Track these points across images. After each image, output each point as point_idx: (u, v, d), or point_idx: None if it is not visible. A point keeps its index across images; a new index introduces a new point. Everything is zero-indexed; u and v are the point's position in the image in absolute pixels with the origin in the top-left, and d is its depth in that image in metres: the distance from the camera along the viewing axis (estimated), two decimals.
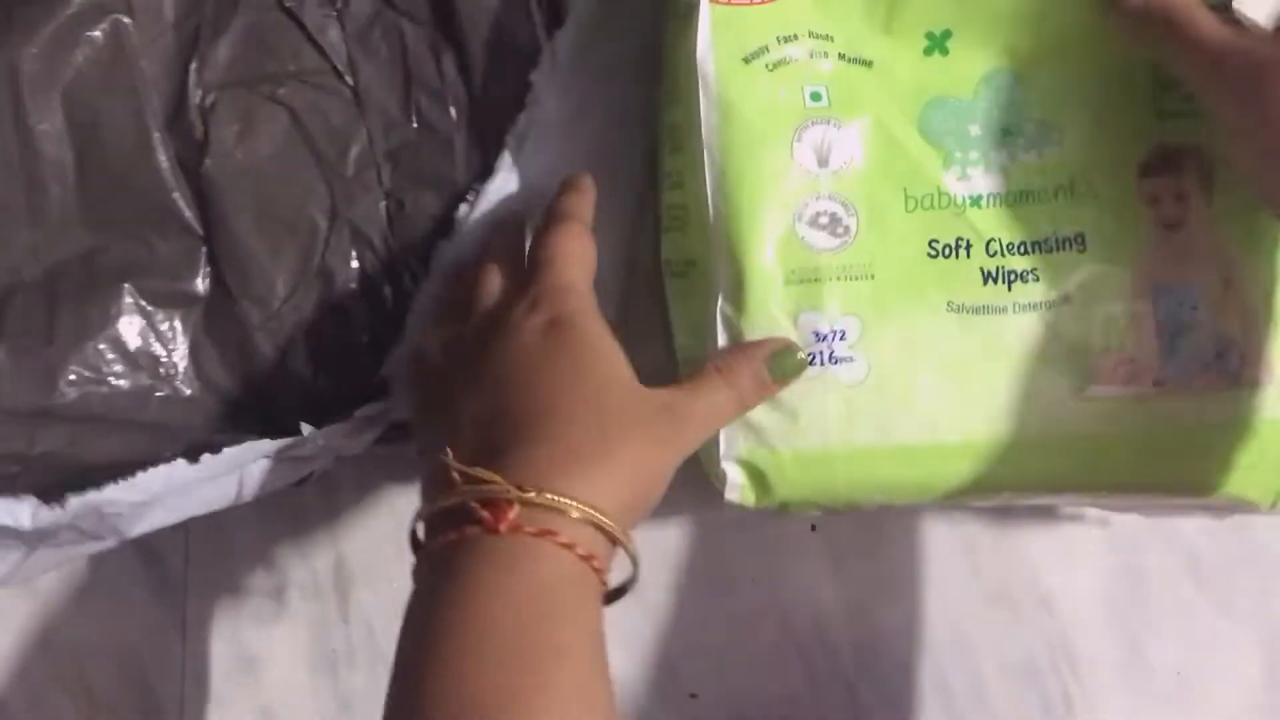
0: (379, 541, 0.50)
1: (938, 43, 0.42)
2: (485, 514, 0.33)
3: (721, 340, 0.41)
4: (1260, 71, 0.37)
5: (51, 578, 0.49)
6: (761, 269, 0.41)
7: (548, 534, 0.33)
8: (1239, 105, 0.38)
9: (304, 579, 0.49)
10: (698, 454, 0.44)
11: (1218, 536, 0.50)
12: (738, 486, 0.42)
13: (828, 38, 0.42)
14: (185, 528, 0.49)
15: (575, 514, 0.33)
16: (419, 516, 0.35)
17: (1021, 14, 0.42)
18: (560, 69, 0.44)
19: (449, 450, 0.35)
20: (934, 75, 0.42)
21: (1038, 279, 0.42)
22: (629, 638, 0.49)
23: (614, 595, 0.36)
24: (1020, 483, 0.42)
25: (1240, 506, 0.43)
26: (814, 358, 0.41)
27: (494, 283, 0.40)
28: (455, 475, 0.34)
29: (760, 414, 0.41)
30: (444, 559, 0.33)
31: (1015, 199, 0.42)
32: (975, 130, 0.42)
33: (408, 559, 0.43)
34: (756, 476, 0.42)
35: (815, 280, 0.41)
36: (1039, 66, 0.42)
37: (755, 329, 0.41)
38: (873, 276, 0.41)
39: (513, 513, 0.33)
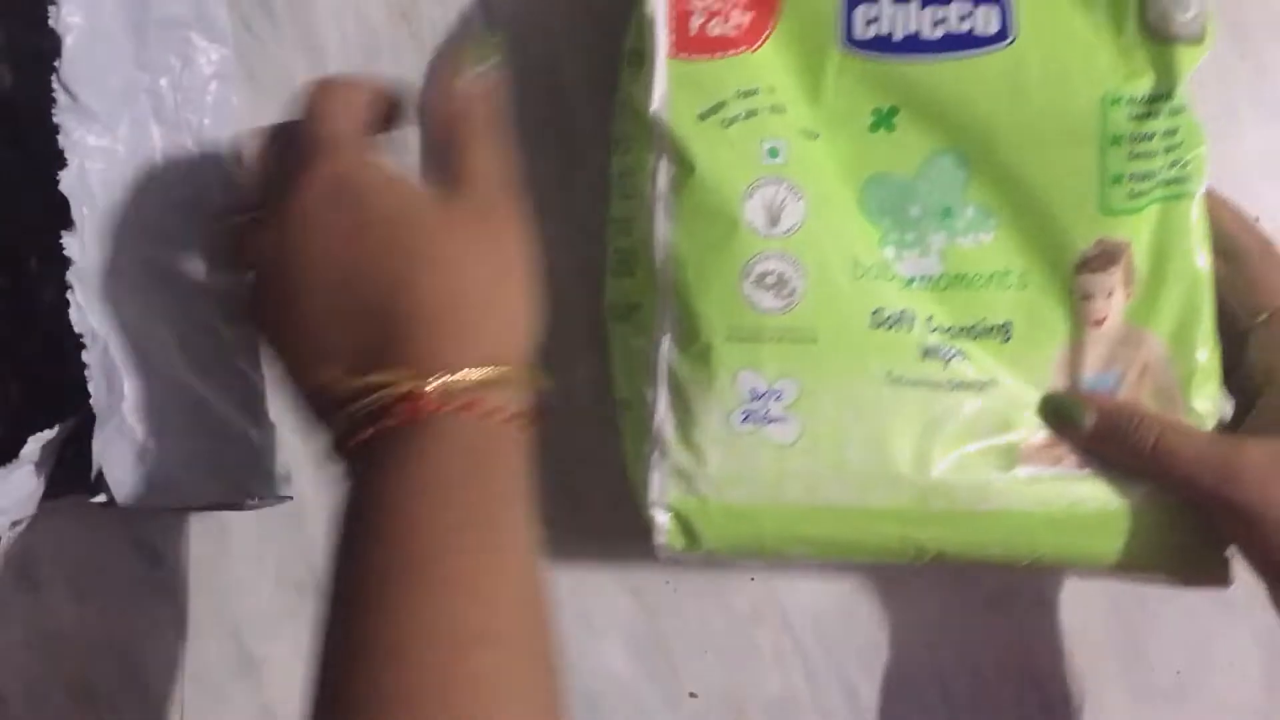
0: None
1: (884, 119, 0.42)
2: (402, 407, 0.33)
3: (662, 384, 0.42)
4: (1233, 483, 0.40)
5: (52, 578, 0.49)
6: (704, 323, 0.41)
7: (466, 408, 0.33)
8: (1231, 519, 0.41)
9: (304, 579, 0.49)
10: (636, 496, 0.44)
11: None
12: (665, 531, 0.42)
13: (780, 109, 0.42)
14: (185, 528, 0.49)
15: (481, 380, 0.33)
16: (331, 432, 0.35)
17: (971, 98, 0.42)
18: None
19: (320, 372, 0.34)
20: (878, 151, 0.42)
21: (968, 360, 0.42)
22: (629, 638, 0.49)
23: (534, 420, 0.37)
24: (944, 550, 0.42)
25: (1162, 581, 0.43)
26: (748, 416, 0.41)
27: (259, 178, 0.38)
28: (351, 388, 0.34)
29: (691, 464, 0.42)
30: (370, 456, 0.34)
31: (948, 282, 0.42)
32: (914, 211, 0.42)
33: None
34: (684, 524, 0.42)
35: (756, 340, 0.41)
36: (985, 151, 0.42)
37: (694, 379, 0.41)
38: (815, 340, 0.41)
39: (424, 400, 0.33)
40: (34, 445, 0.41)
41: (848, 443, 0.41)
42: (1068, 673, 0.50)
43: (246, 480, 0.46)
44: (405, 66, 0.49)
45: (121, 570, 0.49)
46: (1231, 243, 0.43)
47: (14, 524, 0.43)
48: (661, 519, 0.42)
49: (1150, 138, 0.41)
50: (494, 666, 0.30)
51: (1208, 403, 0.42)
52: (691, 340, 0.42)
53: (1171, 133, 0.41)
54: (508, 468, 0.34)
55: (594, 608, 0.49)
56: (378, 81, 0.39)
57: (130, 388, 0.43)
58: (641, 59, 0.42)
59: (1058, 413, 0.42)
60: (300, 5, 0.49)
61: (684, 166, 0.41)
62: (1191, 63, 0.41)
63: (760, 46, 0.42)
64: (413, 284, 0.34)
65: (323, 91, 0.38)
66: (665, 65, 0.41)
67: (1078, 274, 0.42)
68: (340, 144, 0.36)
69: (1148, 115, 0.41)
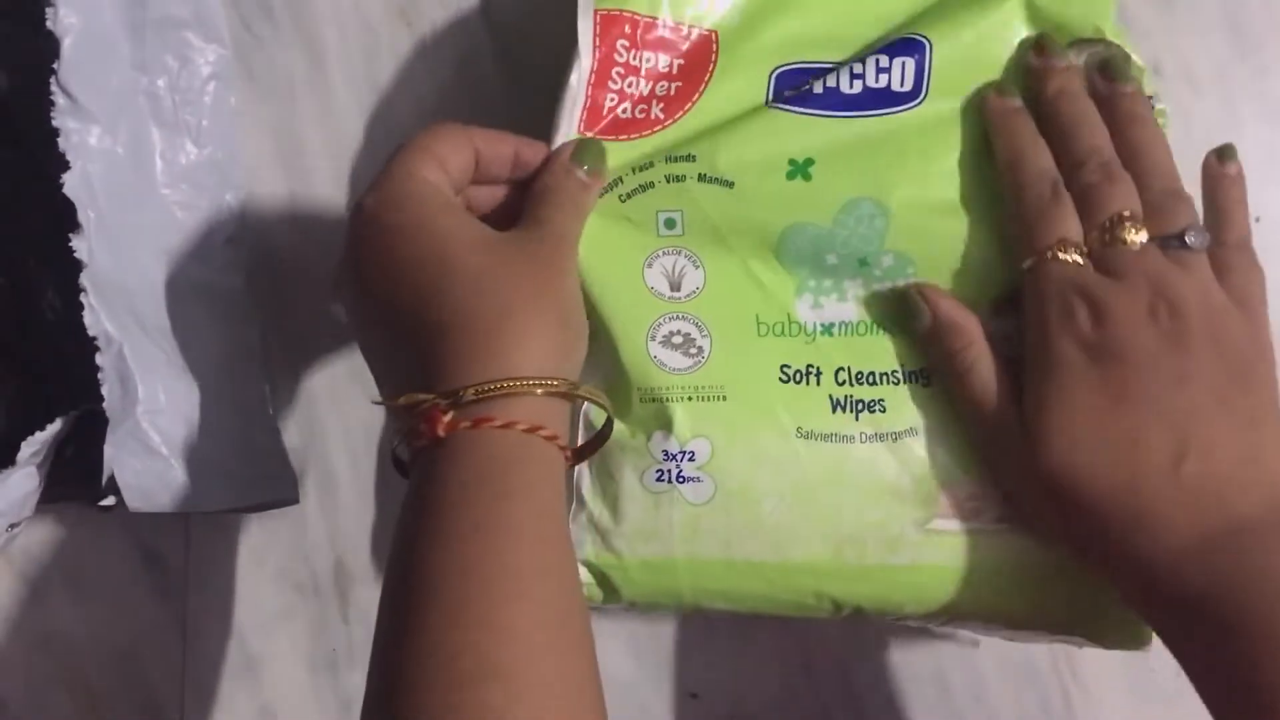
0: (379, 541, 0.50)
1: (800, 168, 0.41)
2: (424, 427, 0.34)
3: (580, 439, 0.42)
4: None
5: (52, 578, 0.49)
6: (617, 386, 0.41)
7: (483, 421, 0.34)
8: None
9: (304, 579, 0.49)
10: None
11: None
12: (585, 584, 0.42)
13: (689, 158, 0.41)
14: (185, 528, 0.49)
15: (499, 393, 0.34)
16: (392, 452, 0.37)
17: (886, 148, 0.41)
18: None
19: (381, 390, 0.37)
20: (794, 200, 0.41)
21: (884, 410, 0.42)
22: (629, 637, 0.49)
23: (590, 447, 0.39)
24: (860, 604, 0.42)
25: (1079, 642, 0.43)
26: (662, 475, 0.41)
27: None
28: (395, 408, 0.36)
29: (608, 520, 0.42)
30: (412, 476, 0.35)
31: (867, 329, 0.42)
32: (832, 259, 0.42)
33: None
34: (601, 578, 0.42)
35: (666, 400, 0.41)
36: (900, 199, 0.41)
37: (614, 442, 0.41)
38: (724, 398, 0.41)
39: (446, 417, 0.34)
40: (28, 450, 0.41)
41: (762, 498, 0.41)
42: (1067, 673, 0.50)
43: (255, 485, 0.46)
44: (405, 66, 0.49)
45: (121, 570, 0.49)
46: (1009, 174, 0.41)
47: (12, 526, 0.43)
48: (580, 573, 0.42)
49: None
50: (499, 701, 0.30)
51: None
52: (609, 397, 0.42)
53: None
54: (525, 479, 0.34)
55: (594, 608, 0.49)
56: (493, 134, 0.40)
57: (144, 392, 0.43)
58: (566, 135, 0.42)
59: (903, 305, 0.42)
60: (300, 5, 0.49)
61: (588, 238, 0.41)
62: None
63: (671, 124, 0.42)
64: (441, 300, 0.35)
65: (420, 132, 0.39)
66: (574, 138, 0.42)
67: (994, 316, 0.41)
68: (396, 175, 0.37)
69: None
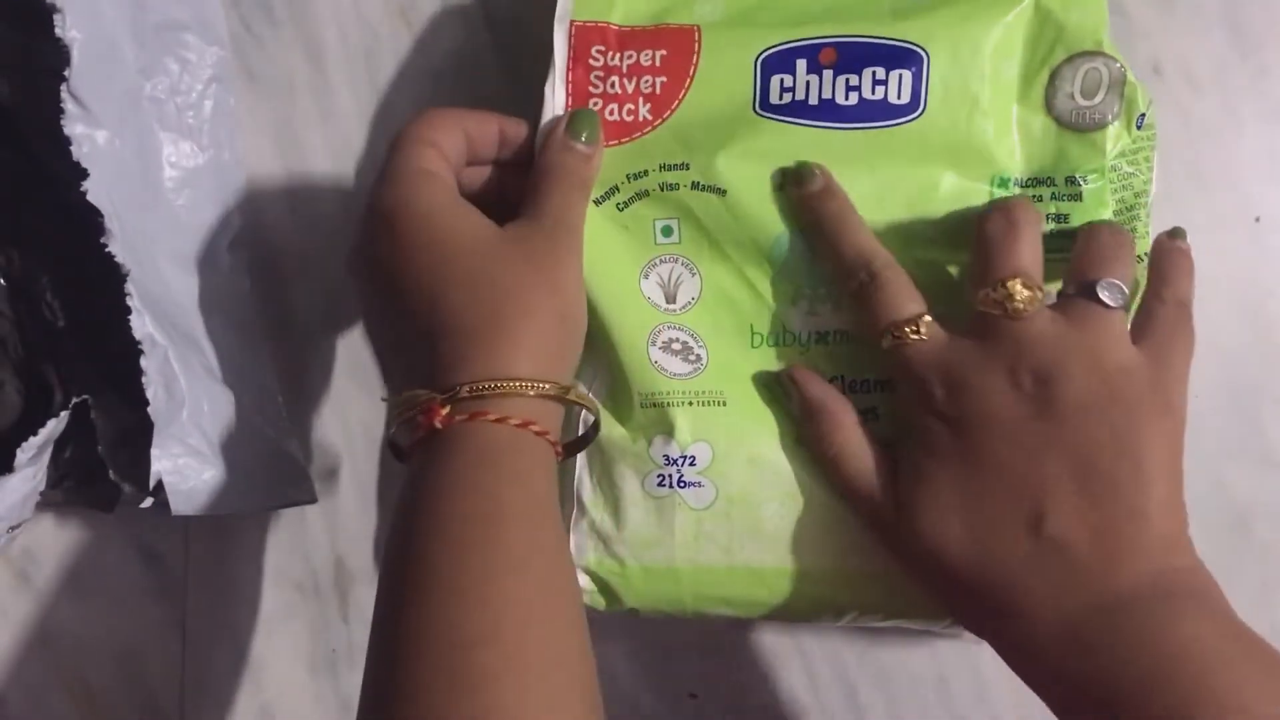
0: (379, 542, 0.50)
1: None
2: (421, 419, 0.35)
3: (580, 459, 0.42)
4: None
5: (52, 578, 0.49)
6: (619, 387, 0.42)
7: (477, 415, 0.35)
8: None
9: (304, 579, 0.49)
10: None
11: (1217, 536, 0.50)
12: (587, 592, 0.43)
13: (683, 166, 0.41)
14: (185, 528, 0.49)
15: (497, 392, 0.35)
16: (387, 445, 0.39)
17: (877, 165, 0.41)
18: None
19: (386, 382, 0.38)
20: (786, 210, 0.41)
21: (877, 417, 0.42)
22: (629, 638, 0.49)
23: (578, 444, 0.40)
24: (864, 608, 0.42)
25: None
26: (663, 480, 0.41)
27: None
28: (393, 403, 0.37)
29: (609, 526, 0.42)
30: (410, 464, 0.37)
31: (861, 337, 0.42)
32: (825, 265, 0.42)
33: None
34: (603, 586, 0.43)
35: (667, 405, 0.41)
36: (887, 214, 0.41)
37: (612, 441, 0.42)
38: (725, 404, 0.42)
39: (444, 411, 0.35)
40: (25, 453, 0.41)
41: (762, 504, 0.41)
42: None
43: (279, 486, 0.46)
44: (405, 66, 0.49)
45: (121, 570, 0.49)
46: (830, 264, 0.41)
47: (12, 528, 0.43)
48: (582, 580, 0.42)
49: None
50: (497, 665, 0.31)
51: None
52: (608, 403, 0.42)
53: (1061, 217, 0.41)
54: (515, 470, 0.35)
55: (594, 614, 0.49)
56: (480, 115, 0.41)
57: (189, 396, 0.43)
58: None
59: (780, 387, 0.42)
60: (300, 5, 0.49)
61: (588, 246, 0.41)
62: (1102, 145, 0.41)
63: (660, 125, 0.42)
64: (446, 299, 0.37)
65: (414, 121, 0.40)
66: None
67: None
68: (402, 172, 0.38)
69: (1035, 199, 0.41)
